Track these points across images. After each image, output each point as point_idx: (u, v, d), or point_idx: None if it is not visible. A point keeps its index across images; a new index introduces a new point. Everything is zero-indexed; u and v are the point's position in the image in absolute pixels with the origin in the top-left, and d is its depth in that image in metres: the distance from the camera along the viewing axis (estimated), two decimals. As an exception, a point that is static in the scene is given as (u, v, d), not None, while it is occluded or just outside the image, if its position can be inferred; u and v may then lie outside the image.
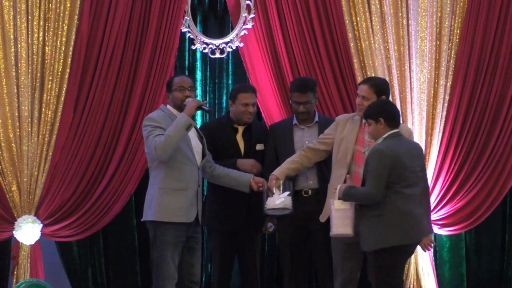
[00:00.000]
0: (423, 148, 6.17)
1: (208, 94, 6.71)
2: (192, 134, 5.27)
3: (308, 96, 5.59)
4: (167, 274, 5.03)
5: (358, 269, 5.35)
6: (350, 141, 5.35)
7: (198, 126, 6.29)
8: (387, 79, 6.09)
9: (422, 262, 6.23)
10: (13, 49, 5.99)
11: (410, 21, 6.40)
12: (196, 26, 6.54)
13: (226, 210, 5.57)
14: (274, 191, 5.25)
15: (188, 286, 5.20)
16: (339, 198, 5.02)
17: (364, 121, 5.37)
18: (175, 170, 5.10)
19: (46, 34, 6.08)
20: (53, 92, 6.06)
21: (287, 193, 5.25)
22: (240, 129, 5.68)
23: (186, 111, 5.09)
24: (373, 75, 6.28)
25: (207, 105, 5.23)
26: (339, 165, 5.36)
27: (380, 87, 5.36)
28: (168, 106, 5.27)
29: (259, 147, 5.69)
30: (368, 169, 4.90)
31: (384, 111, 4.99)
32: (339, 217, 5.00)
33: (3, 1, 6.00)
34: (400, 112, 5.68)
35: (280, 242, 5.74)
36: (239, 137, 5.67)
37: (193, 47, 6.50)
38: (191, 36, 6.47)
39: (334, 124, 5.51)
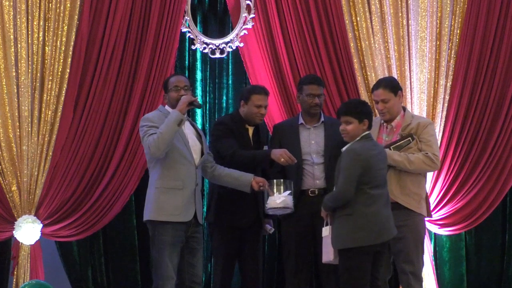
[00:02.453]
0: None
1: (208, 94, 6.72)
2: (190, 133, 5.26)
3: (322, 89, 5.67)
4: (165, 274, 5.02)
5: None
6: None
7: (200, 126, 6.32)
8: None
9: (422, 262, 6.24)
10: (13, 49, 6.00)
11: (410, 21, 6.41)
12: (196, 26, 6.55)
13: (236, 208, 5.51)
14: (274, 191, 5.25)
15: (189, 286, 5.19)
16: (326, 223, 5.08)
17: (383, 121, 5.44)
18: (171, 170, 5.09)
19: (46, 34, 6.08)
20: (53, 92, 6.06)
21: (288, 192, 5.24)
22: (250, 129, 5.67)
23: (178, 107, 5.08)
24: (373, 75, 6.30)
25: (200, 102, 5.26)
26: None
27: (392, 84, 5.44)
28: (166, 107, 5.26)
29: (266, 148, 5.70)
30: (340, 168, 4.94)
31: (369, 113, 5.01)
32: (325, 244, 5.04)
33: (3, 1, 6.00)
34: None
35: (285, 242, 5.69)
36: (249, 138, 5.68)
37: (193, 47, 6.50)
38: (191, 36, 6.47)
39: None
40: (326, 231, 5.05)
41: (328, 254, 5.02)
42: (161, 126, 5.02)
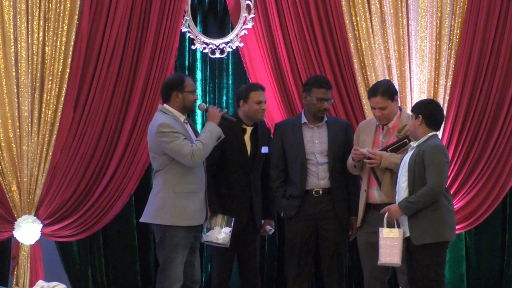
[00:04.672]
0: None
1: (208, 94, 6.71)
2: (193, 135, 5.26)
3: (331, 92, 5.70)
4: (174, 275, 5.01)
5: (384, 268, 5.32)
6: (368, 144, 5.41)
7: (200, 127, 6.31)
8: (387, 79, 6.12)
9: (422, 262, 6.23)
10: (13, 49, 5.99)
11: (410, 21, 6.40)
12: (196, 26, 6.54)
13: (229, 211, 5.50)
14: (216, 226, 5.23)
15: (189, 286, 5.19)
16: (389, 220, 5.04)
17: (378, 123, 5.45)
18: (189, 173, 5.08)
19: (46, 34, 6.08)
20: (53, 92, 6.06)
21: (229, 229, 5.26)
22: (248, 130, 5.66)
23: (214, 121, 5.14)
24: (373, 75, 6.29)
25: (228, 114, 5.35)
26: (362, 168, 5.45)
27: (389, 90, 5.41)
28: (167, 106, 5.22)
29: (264, 150, 5.69)
30: (428, 163, 4.93)
31: (425, 110, 5.04)
32: (387, 246, 5.00)
33: (3, 1, 5.99)
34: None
35: (289, 242, 5.68)
36: (246, 138, 5.65)
37: (193, 47, 6.49)
38: (191, 36, 6.47)
39: (356, 133, 5.60)
40: (391, 232, 4.99)
41: (393, 256, 4.97)
42: (203, 137, 5.06)
